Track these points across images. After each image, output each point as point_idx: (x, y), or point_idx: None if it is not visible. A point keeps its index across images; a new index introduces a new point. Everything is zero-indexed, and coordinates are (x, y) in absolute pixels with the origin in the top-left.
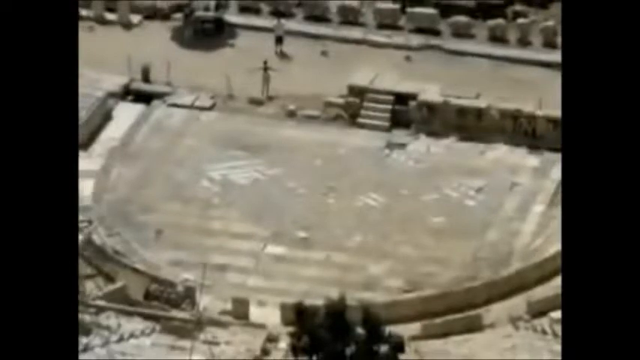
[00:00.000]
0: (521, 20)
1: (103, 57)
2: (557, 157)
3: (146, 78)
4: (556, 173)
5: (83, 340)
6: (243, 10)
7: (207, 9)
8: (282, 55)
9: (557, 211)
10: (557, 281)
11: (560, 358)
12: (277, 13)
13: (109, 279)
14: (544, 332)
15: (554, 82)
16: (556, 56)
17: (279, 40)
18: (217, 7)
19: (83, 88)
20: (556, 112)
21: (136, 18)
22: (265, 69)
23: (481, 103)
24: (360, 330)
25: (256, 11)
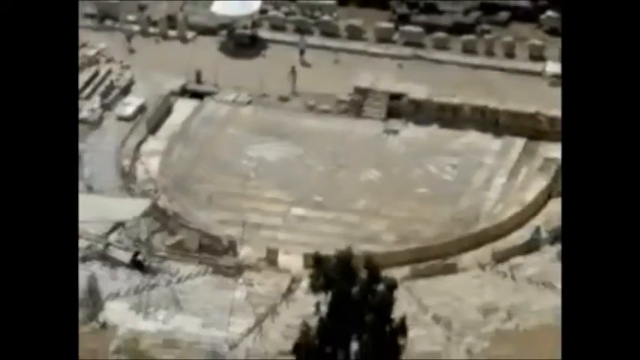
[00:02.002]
0: (487, 36)
1: (166, 64)
2: (515, 141)
3: (199, 80)
4: (514, 154)
5: (151, 281)
6: (274, 27)
7: (245, 27)
8: (304, 63)
9: (515, 183)
10: (515, 236)
11: (514, 294)
12: (300, 30)
13: (171, 234)
14: (504, 275)
15: (512, 84)
16: (514, 64)
17: (301, 52)
18: (253, 26)
19: (151, 88)
20: (514, 106)
21: (190, 34)
22: (293, 72)
23: (456, 100)
24: (362, 273)
25: (283, 29)
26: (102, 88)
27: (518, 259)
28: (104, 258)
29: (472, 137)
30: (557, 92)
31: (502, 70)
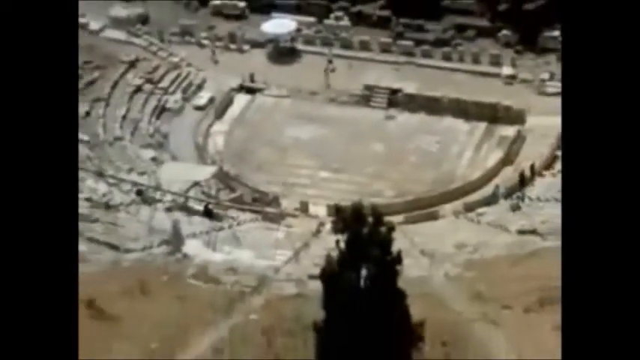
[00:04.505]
0: (460, 48)
1: (229, 68)
2: (479, 124)
3: (252, 80)
4: (478, 133)
5: (218, 225)
6: (306, 42)
7: (285, 41)
8: (332, 69)
9: (479, 154)
10: (481, 193)
11: (479, 234)
12: (326, 44)
13: (232, 191)
14: (472, 220)
15: (477, 83)
16: (479, 68)
17: (330, 61)
18: (291, 40)
19: (218, 86)
20: (479, 99)
21: (246, 47)
22: (326, 72)
23: (438, 94)
24: (370, 219)
25: (313, 43)
26: (183, 86)
27: (481, 209)
28: (184, 208)
29: (450, 121)
30: (511, 88)
31: (470, 72)
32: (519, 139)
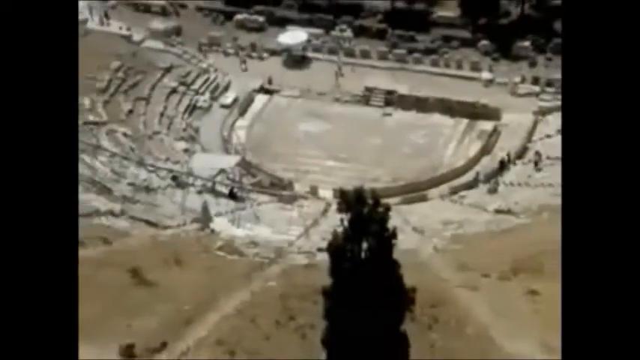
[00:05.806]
0: (446, 56)
1: (250, 72)
2: (463, 120)
3: (269, 82)
4: (461, 127)
5: (241, 205)
6: (315, 50)
7: (297, 50)
8: (340, 73)
9: (462, 146)
10: (463, 178)
11: (461, 213)
12: (334, 53)
13: (253, 176)
14: (456, 201)
15: (460, 85)
16: (462, 72)
17: (339, 67)
18: (302, 49)
19: (241, 87)
20: (462, 98)
21: (265, 54)
22: (336, 75)
23: (427, 95)
24: (369, 200)
25: (321, 51)
26: (211, 87)
27: (464, 192)
28: (212, 191)
29: (436, 118)
30: (489, 90)
31: (454, 76)
32: (496, 132)
